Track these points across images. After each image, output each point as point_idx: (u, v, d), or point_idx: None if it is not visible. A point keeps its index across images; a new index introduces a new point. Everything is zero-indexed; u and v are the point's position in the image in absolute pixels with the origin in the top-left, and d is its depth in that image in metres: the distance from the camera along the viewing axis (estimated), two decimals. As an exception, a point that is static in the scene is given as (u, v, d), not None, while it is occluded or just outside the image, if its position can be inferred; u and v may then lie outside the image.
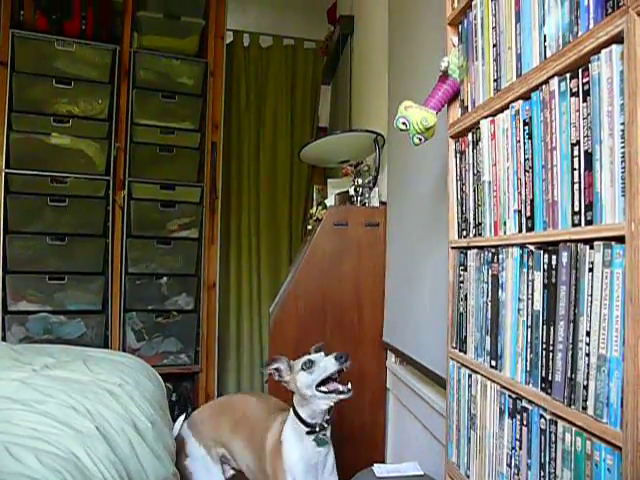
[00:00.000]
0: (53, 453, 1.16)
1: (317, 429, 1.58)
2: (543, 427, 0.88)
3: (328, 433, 1.61)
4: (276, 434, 1.64)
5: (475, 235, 1.16)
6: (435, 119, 1.21)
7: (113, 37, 3.22)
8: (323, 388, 1.54)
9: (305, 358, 1.59)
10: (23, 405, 1.37)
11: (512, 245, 0.99)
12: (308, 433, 1.57)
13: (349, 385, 1.55)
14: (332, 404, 1.57)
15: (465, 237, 1.22)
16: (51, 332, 3.02)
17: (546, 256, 0.87)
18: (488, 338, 1.08)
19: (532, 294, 0.92)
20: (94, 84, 3.14)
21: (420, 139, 1.22)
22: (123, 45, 3.21)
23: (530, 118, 0.93)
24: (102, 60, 3.14)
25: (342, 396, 1.54)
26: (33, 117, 3.00)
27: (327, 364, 1.54)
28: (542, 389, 0.88)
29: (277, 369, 1.63)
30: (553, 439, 0.85)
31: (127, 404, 1.59)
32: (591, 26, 0.77)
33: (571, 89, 0.81)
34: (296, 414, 1.60)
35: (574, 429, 0.79)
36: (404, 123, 1.21)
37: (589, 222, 0.77)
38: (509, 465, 0.99)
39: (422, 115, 1.19)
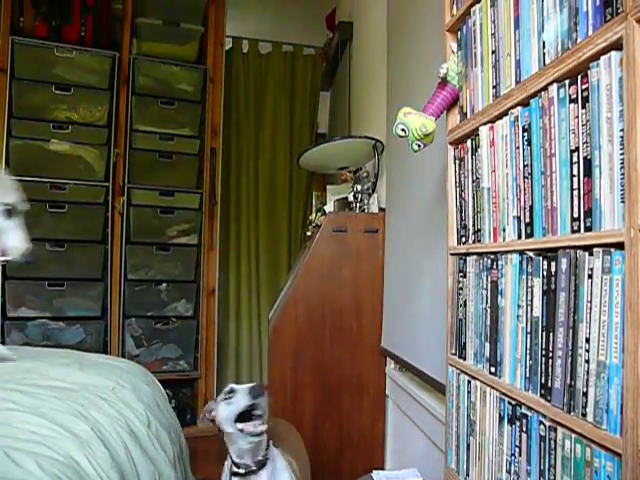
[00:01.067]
0: (53, 458, 1.15)
1: (243, 471, 1.37)
2: (543, 434, 0.87)
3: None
4: (223, 472, 1.48)
5: (474, 241, 1.16)
6: (434, 125, 1.21)
7: (113, 44, 3.23)
8: (240, 425, 1.34)
9: (228, 387, 1.41)
10: (20, 408, 1.36)
11: (511, 251, 0.99)
12: (233, 474, 1.38)
13: (261, 427, 1.33)
14: (252, 444, 1.35)
15: (464, 243, 1.21)
16: (50, 338, 3.01)
17: (545, 262, 0.87)
18: (487, 344, 1.08)
19: (531, 300, 0.91)
20: (94, 90, 3.15)
21: (419, 145, 1.22)
22: (122, 52, 3.22)
23: (529, 124, 0.93)
24: (101, 66, 3.15)
25: (253, 439, 1.34)
26: (32, 123, 3.01)
27: (239, 396, 1.35)
28: (541, 396, 0.88)
29: (210, 411, 1.43)
30: (553, 446, 0.84)
31: (123, 409, 1.58)
32: (590, 33, 0.77)
33: (570, 95, 0.81)
34: (228, 451, 1.41)
35: (574, 436, 0.79)
36: (403, 130, 1.21)
37: (588, 228, 0.77)
38: (509, 472, 0.98)
39: (421, 121, 1.19)
